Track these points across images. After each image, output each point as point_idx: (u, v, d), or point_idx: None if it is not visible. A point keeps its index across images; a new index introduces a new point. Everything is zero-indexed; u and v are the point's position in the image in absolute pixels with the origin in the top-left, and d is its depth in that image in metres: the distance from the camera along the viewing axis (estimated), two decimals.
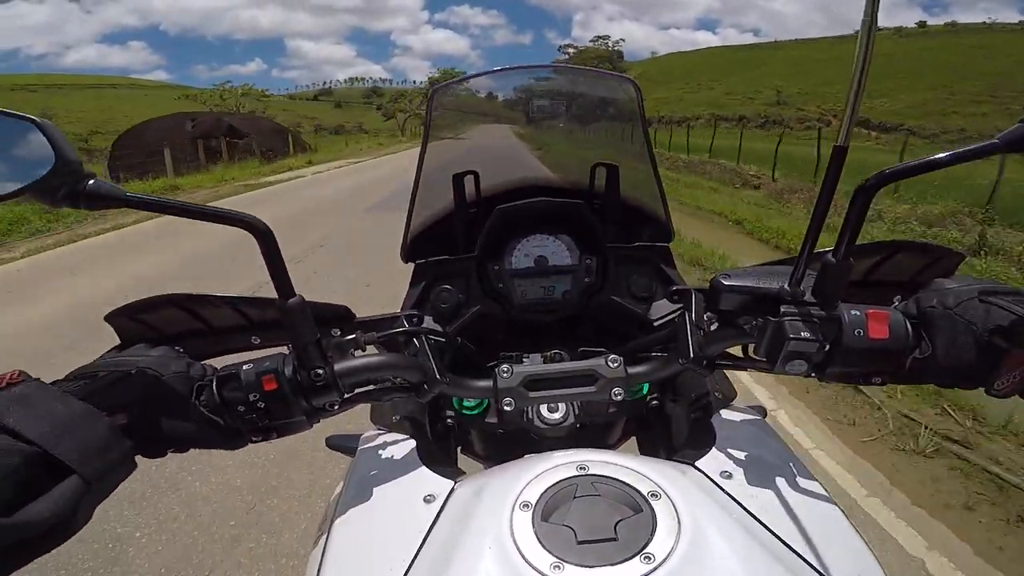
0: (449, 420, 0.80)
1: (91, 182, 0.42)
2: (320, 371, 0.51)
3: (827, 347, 0.49)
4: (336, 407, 0.54)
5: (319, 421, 0.55)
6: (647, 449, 0.84)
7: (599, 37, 70.39)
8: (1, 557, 0.35)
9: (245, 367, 0.51)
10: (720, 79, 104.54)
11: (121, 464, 0.44)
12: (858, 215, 0.45)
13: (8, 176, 0.43)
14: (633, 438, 0.88)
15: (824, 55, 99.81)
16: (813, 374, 0.52)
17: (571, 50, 75.33)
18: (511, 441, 0.78)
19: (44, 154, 0.40)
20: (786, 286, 0.50)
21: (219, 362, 0.57)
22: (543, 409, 0.71)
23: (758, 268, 0.59)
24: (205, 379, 0.52)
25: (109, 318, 0.61)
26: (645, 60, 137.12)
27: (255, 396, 0.50)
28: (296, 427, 0.54)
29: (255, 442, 0.54)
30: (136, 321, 0.61)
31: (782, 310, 0.49)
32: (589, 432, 0.76)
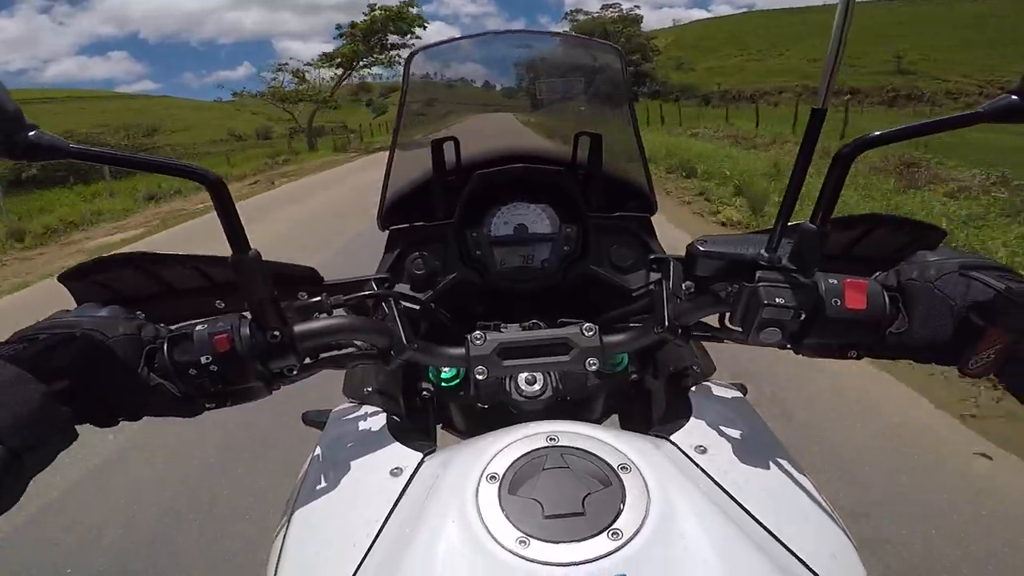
0: (425, 392, 0.78)
1: (32, 133, 0.39)
2: (277, 333, 0.49)
3: (802, 316, 0.48)
4: (295, 372, 0.52)
5: (279, 388, 0.53)
6: (628, 425, 0.83)
7: (608, 5, 63.95)
8: None
9: (198, 328, 0.49)
10: (788, 45, 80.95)
11: (57, 434, 0.41)
12: (836, 181, 0.44)
13: None
14: (616, 415, 0.88)
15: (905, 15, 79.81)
16: (788, 345, 0.51)
17: (581, 16, 66.35)
18: (490, 416, 0.77)
19: None
20: (763, 252, 0.49)
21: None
22: (521, 381, 0.70)
23: (736, 236, 0.59)
24: (157, 341, 0.49)
25: (63, 278, 0.58)
26: (672, 28, 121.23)
27: (207, 359, 0.48)
28: (254, 393, 0.52)
29: (209, 409, 0.51)
30: (93, 283, 0.59)
31: (758, 276, 0.48)
32: (569, 407, 0.75)
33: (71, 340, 0.45)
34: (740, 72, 71.42)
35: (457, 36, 0.84)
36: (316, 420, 0.82)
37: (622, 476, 0.44)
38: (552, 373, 0.70)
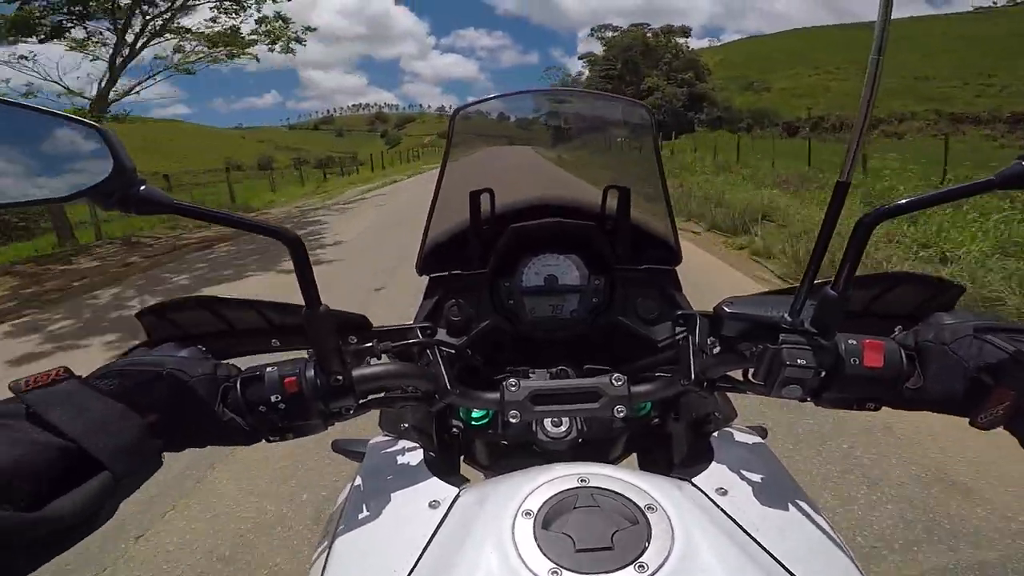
0: (455, 429, 0.81)
1: (143, 188, 0.44)
2: (339, 377, 0.54)
3: (822, 373, 0.51)
4: (351, 412, 0.57)
5: (334, 424, 0.57)
6: (647, 465, 0.86)
7: (635, 25, 52.39)
8: (29, 550, 0.36)
9: (269, 370, 0.53)
10: (888, 59, 44.41)
11: (149, 462, 0.46)
12: (857, 249, 0.47)
13: (69, 178, 0.45)
14: (634, 454, 0.90)
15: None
16: (808, 398, 0.54)
17: (609, 32, 53.89)
18: (514, 453, 0.80)
19: (103, 159, 0.43)
20: (786, 315, 0.52)
21: (240, 363, 0.59)
22: (547, 423, 0.73)
23: (760, 296, 0.62)
24: (230, 380, 0.54)
25: (140, 315, 0.63)
26: (719, 46, 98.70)
27: (277, 397, 0.52)
28: (312, 429, 0.56)
29: (271, 441, 0.56)
30: (164, 319, 0.64)
31: (781, 338, 0.51)
32: (591, 446, 0.78)
33: (159, 378, 0.49)
34: (826, 93, 53.62)
35: (497, 94, 0.90)
36: (346, 449, 0.87)
37: (648, 515, 0.47)
38: (578, 417, 0.73)
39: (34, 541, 0.36)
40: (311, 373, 0.53)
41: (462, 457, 0.88)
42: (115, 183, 0.43)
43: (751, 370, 0.56)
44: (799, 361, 0.50)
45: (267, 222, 0.49)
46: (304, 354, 0.57)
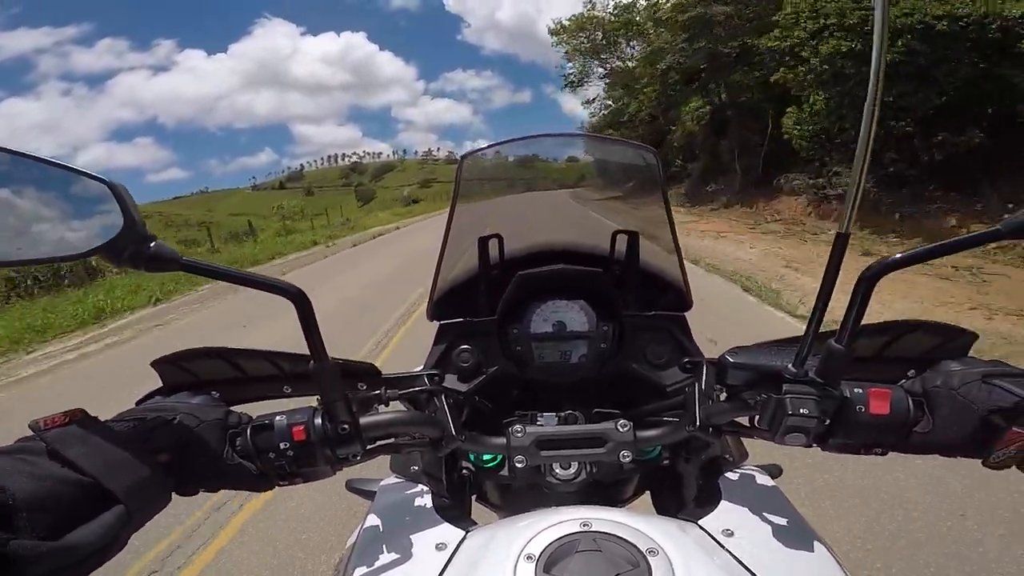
0: (465, 471, 0.82)
1: (152, 245, 0.44)
2: (346, 425, 0.55)
3: (827, 421, 0.52)
4: (358, 457, 0.58)
5: (342, 469, 0.58)
6: (660, 505, 0.85)
7: None
8: None
9: (277, 418, 0.55)
10: None
11: (160, 498, 0.48)
12: (861, 303, 0.47)
13: (81, 235, 0.45)
14: (647, 493, 0.89)
15: None
16: (813, 444, 0.54)
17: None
18: (524, 494, 0.81)
19: (113, 214, 0.43)
20: (790, 365, 0.53)
21: (252, 409, 0.61)
22: (555, 466, 0.74)
23: (765, 345, 0.63)
24: (240, 426, 0.56)
25: (155, 364, 0.65)
26: None
27: (285, 445, 0.54)
28: (320, 474, 0.57)
29: (281, 486, 0.57)
30: (178, 367, 0.66)
31: (784, 388, 0.52)
32: (601, 488, 0.78)
33: (170, 423, 0.52)
34: None
35: (505, 140, 0.92)
36: (359, 488, 0.89)
37: (649, 559, 0.47)
38: (587, 460, 0.74)
39: (51, 570, 0.37)
40: (318, 421, 0.55)
41: (474, 497, 0.87)
42: (127, 239, 0.43)
43: (757, 418, 0.57)
44: (802, 410, 0.51)
45: (271, 278, 0.50)
46: (315, 401, 0.58)
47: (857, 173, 0.44)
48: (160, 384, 0.65)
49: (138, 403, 0.62)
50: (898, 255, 0.46)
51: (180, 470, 0.51)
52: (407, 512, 0.67)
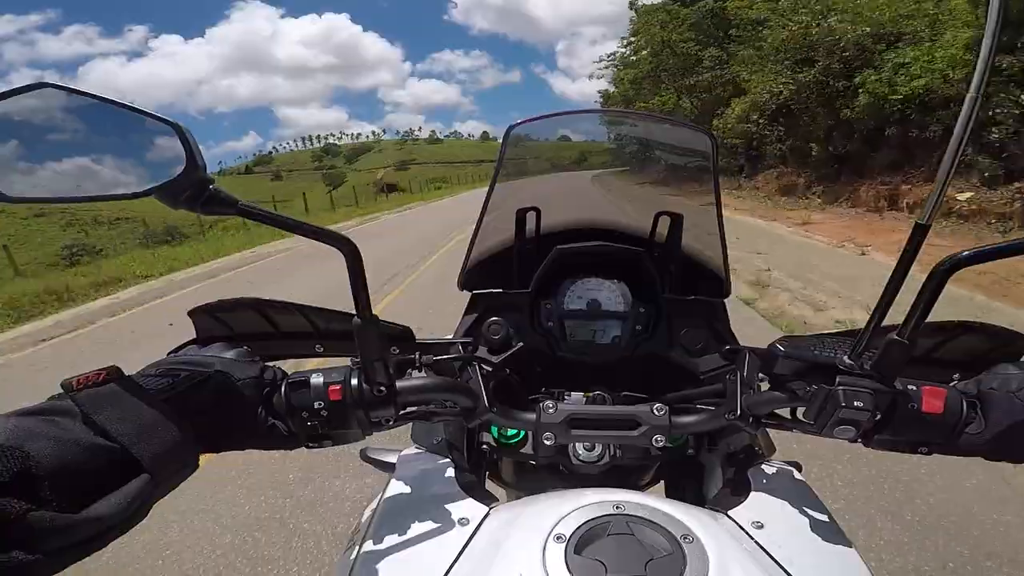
0: (484, 446, 0.81)
1: (212, 187, 0.44)
2: (383, 387, 0.54)
3: (878, 416, 0.51)
4: (391, 423, 0.57)
5: (371, 434, 0.57)
6: (675, 494, 0.85)
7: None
8: (67, 550, 0.36)
9: (314, 375, 0.53)
10: None
11: (188, 465, 0.46)
12: (930, 298, 0.46)
13: (142, 174, 0.45)
14: (661, 481, 0.89)
15: None
16: (860, 440, 0.54)
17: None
18: (542, 472, 0.80)
19: (176, 156, 0.43)
20: (845, 357, 0.52)
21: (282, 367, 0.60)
22: (579, 446, 0.73)
23: (815, 337, 0.62)
24: (275, 383, 0.55)
25: (192, 313, 0.65)
26: None
27: (320, 404, 0.53)
28: (351, 437, 0.57)
29: (309, 448, 0.56)
30: (214, 319, 0.65)
31: (838, 380, 0.51)
32: (620, 472, 0.77)
33: (207, 379, 0.50)
34: None
35: (552, 112, 0.90)
36: (374, 459, 0.88)
37: (684, 546, 0.47)
38: (611, 443, 0.73)
39: (72, 542, 0.36)
40: (355, 382, 0.53)
41: (487, 474, 0.87)
42: (187, 181, 0.43)
43: (799, 408, 0.56)
44: (856, 403, 0.50)
45: (325, 228, 0.49)
46: (346, 361, 0.57)
47: (950, 158, 0.42)
48: (194, 335, 0.65)
49: (170, 353, 0.61)
50: (973, 250, 0.45)
51: (211, 432, 0.49)
52: (429, 484, 0.66)
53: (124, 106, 0.44)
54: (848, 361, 0.51)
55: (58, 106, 0.43)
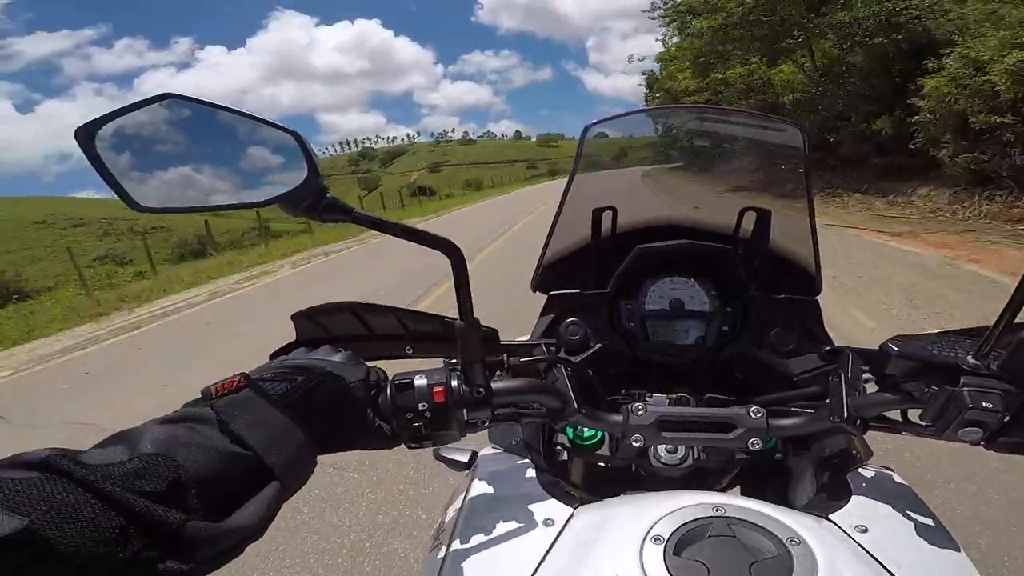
0: (559, 447, 0.80)
1: (329, 196, 0.45)
2: (481, 389, 0.54)
3: (1006, 418, 0.48)
4: (486, 424, 0.57)
5: (466, 435, 0.58)
6: (753, 496, 0.81)
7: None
8: (216, 559, 0.37)
9: (417, 377, 0.54)
10: None
11: (310, 469, 0.47)
12: None
13: (265, 184, 0.46)
14: (738, 486, 0.86)
15: None
16: (983, 443, 0.51)
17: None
18: (616, 475, 0.79)
19: (298, 166, 0.43)
20: (969, 357, 0.49)
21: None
22: (661, 448, 0.72)
23: (929, 337, 0.59)
24: (380, 385, 0.56)
25: (294, 317, 0.67)
26: None
27: (424, 405, 0.53)
28: (449, 438, 0.57)
29: (411, 447, 0.57)
30: (313, 322, 0.68)
31: (962, 381, 0.49)
32: (699, 475, 0.75)
33: (321, 384, 0.51)
34: None
35: (630, 110, 0.89)
36: (448, 458, 0.88)
37: (791, 549, 0.46)
38: (695, 445, 0.72)
39: (218, 552, 0.37)
40: (455, 383, 0.54)
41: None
42: (307, 190, 0.43)
43: (914, 411, 0.54)
44: (984, 404, 0.47)
45: (431, 233, 0.50)
46: (438, 363, 0.59)
47: None
48: (295, 337, 0.67)
49: (273, 356, 0.63)
50: None
51: (326, 434, 0.50)
52: (511, 484, 0.66)
53: (244, 115, 0.45)
54: (973, 361, 0.49)
55: (182, 117, 0.44)
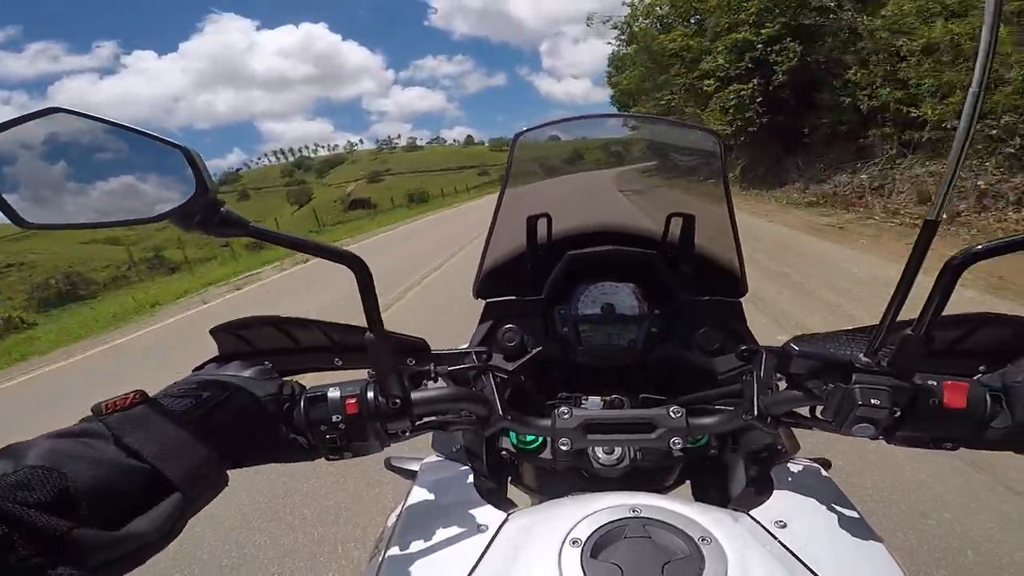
0: (504, 452, 0.81)
1: (223, 209, 0.45)
2: (398, 399, 0.55)
3: (897, 413, 0.50)
4: (407, 433, 0.58)
5: (389, 445, 0.58)
6: (701, 494, 0.84)
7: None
8: (107, 567, 0.37)
9: (331, 390, 0.55)
10: None
11: (217, 481, 0.48)
12: (943, 292, 0.45)
13: (155, 200, 0.45)
14: (687, 483, 0.89)
15: None
16: (881, 437, 0.53)
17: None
18: (563, 477, 0.80)
19: (187, 181, 0.43)
20: (861, 355, 0.51)
21: (303, 380, 0.61)
22: (599, 450, 0.73)
23: (830, 335, 0.62)
24: (294, 398, 0.56)
25: (213, 332, 0.67)
26: None
27: (338, 418, 0.54)
28: (369, 449, 0.58)
29: (330, 460, 0.57)
30: (235, 336, 0.67)
31: (854, 378, 0.50)
32: (644, 474, 0.77)
33: (229, 399, 0.51)
34: None
35: (559, 118, 0.91)
36: (398, 467, 0.89)
37: (702, 547, 0.47)
38: (631, 445, 0.73)
39: (111, 559, 0.37)
40: (371, 395, 0.55)
41: (509, 479, 0.87)
42: (198, 204, 0.43)
43: (819, 407, 0.56)
44: (873, 401, 0.49)
45: (333, 246, 0.50)
46: (365, 374, 0.59)
47: (956, 153, 0.42)
48: (216, 353, 0.67)
49: (195, 371, 0.63)
50: (987, 244, 0.44)
51: (236, 448, 0.51)
52: (449, 492, 0.67)
53: (134, 131, 0.44)
54: (864, 359, 0.50)
55: (71, 131, 0.43)
